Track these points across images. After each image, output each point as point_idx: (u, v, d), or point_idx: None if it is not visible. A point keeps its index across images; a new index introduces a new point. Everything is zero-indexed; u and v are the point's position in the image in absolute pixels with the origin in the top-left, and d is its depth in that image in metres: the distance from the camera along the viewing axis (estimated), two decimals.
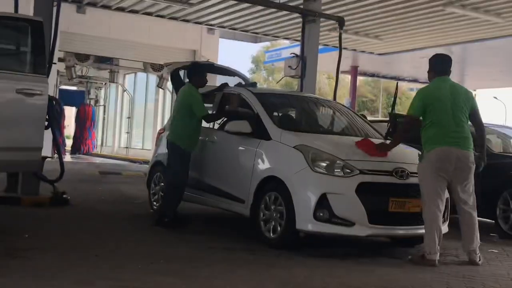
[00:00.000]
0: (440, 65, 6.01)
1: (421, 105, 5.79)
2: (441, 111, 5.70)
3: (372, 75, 27.48)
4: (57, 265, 4.64)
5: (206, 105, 7.13)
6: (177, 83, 7.82)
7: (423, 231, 5.90)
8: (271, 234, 5.92)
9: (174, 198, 6.92)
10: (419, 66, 23.31)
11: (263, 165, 6.19)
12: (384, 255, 6.01)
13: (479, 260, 5.79)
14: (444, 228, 6.19)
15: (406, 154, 6.43)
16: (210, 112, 7.13)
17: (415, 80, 28.18)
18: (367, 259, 5.69)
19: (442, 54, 6.20)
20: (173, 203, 6.93)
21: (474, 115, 5.90)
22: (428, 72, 6.10)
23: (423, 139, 5.81)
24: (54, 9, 8.13)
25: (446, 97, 5.75)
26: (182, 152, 6.87)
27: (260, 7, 13.62)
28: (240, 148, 6.58)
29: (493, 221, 7.89)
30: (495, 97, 49.01)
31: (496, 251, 6.70)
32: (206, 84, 7.28)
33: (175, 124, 7.09)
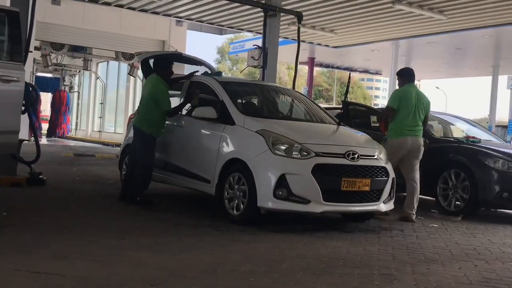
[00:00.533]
0: (409, 75, 7.38)
1: (397, 101, 7.13)
2: (407, 109, 7.06)
3: (327, 66, 27.66)
4: (33, 241, 4.57)
5: (173, 92, 7.05)
6: (147, 71, 7.71)
7: (371, 207, 6.05)
8: (235, 212, 5.95)
9: (143, 179, 6.86)
10: (369, 58, 23.66)
11: (228, 148, 6.18)
12: (337, 230, 6.10)
13: (415, 218, 7.03)
14: (390, 205, 6.33)
15: (358, 138, 6.54)
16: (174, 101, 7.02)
17: (366, 71, 28.52)
18: (322, 234, 5.77)
19: (409, 68, 7.59)
20: (142, 184, 6.88)
21: (425, 117, 7.29)
22: (400, 79, 7.44)
23: (389, 128, 7.19)
24: (31, 0, 7.91)
25: (413, 100, 7.11)
26: (146, 137, 6.79)
27: (225, 1, 13.51)
28: (206, 132, 6.56)
29: (434, 199, 8.09)
30: (437, 87, 49.99)
31: (436, 225, 6.88)
32: (173, 74, 7.19)
33: (141, 111, 6.97)
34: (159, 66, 7.03)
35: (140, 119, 6.92)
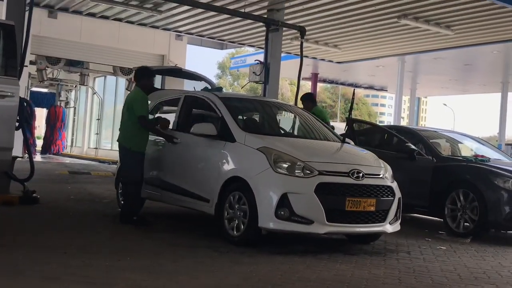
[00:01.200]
0: (313, 99, 9.28)
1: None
2: None
3: (331, 82, 27.75)
4: (25, 262, 4.54)
5: (169, 108, 7.11)
6: None
7: (377, 228, 6.01)
8: (235, 232, 5.91)
9: (136, 195, 6.88)
10: (374, 74, 23.74)
11: (228, 166, 6.17)
12: (341, 251, 6.06)
13: None
14: (396, 227, 6.29)
15: (362, 157, 6.52)
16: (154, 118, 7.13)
17: (371, 87, 28.60)
18: (325, 256, 5.73)
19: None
20: (137, 200, 6.92)
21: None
22: (309, 103, 9.00)
23: None
24: (26, 13, 7.97)
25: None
26: (130, 152, 6.84)
27: (226, 16, 13.62)
28: (206, 149, 6.53)
29: (442, 220, 8.04)
30: (444, 104, 50.09)
31: (444, 248, 6.83)
32: (168, 88, 7.29)
33: (122, 127, 7.02)
34: (140, 78, 7.07)
35: (121, 135, 6.99)
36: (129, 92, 21.22)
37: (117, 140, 7.06)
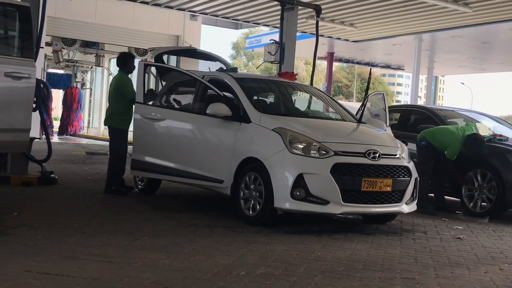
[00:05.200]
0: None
1: None
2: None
3: (347, 61, 27.50)
4: (44, 241, 4.61)
5: (187, 89, 7.25)
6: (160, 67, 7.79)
7: (393, 209, 6.01)
8: (251, 212, 5.94)
9: (117, 169, 7.58)
10: (391, 53, 23.49)
11: (243, 147, 6.17)
12: (357, 231, 6.07)
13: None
14: (413, 207, 6.28)
15: (379, 137, 6.49)
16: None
17: (387, 66, 28.31)
18: (340, 235, 5.74)
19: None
20: (117, 173, 7.58)
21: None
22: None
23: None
24: None
25: None
26: (115, 130, 7.54)
27: None
28: (220, 130, 6.49)
29: (459, 200, 8.01)
30: (462, 83, 49.57)
31: (461, 227, 6.81)
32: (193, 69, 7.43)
33: (108, 108, 7.76)
34: (122, 63, 7.75)
35: (108, 117, 7.65)
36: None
37: (104, 123, 7.82)
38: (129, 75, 7.77)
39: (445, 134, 7.79)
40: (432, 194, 8.08)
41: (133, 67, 7.79)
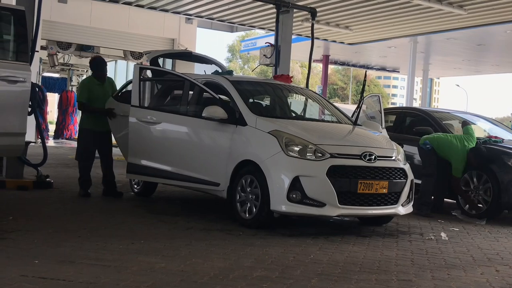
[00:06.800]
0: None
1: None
2: None
3: (343, 63, 27.58)
4: (40, 246, 4.60)
5: (177, 92, 7.29)
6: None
7: (389, 211, 6.03)
8: (247, 215, 5.94)
9: (81, 168, 7.78)
10: (386, 55, 23.56)
11: (239, 149, 6.17)
12: (353, 234, 6.08)
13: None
14: (409, 209, 6.29)
15: (374, 139, 6.50)
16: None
17: (382, 69, 28.40)
18: (337, 238, 5.75)
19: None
20: (82, 175, 7.72)
21: None
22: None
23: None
24: None
25: None
26: (81, 131, 7.77)
27: None
28: (216, 133, 6.47)
29: (455, 201, 8.02)
30: (457, 85, 49.73)
31: (457, 229, 6.82)
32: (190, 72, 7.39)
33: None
34: (94, 68, 7.78)
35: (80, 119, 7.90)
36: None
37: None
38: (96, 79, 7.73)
39: (449, 146, 7.70)
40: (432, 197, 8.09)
41: (102, 74, 7.76)
